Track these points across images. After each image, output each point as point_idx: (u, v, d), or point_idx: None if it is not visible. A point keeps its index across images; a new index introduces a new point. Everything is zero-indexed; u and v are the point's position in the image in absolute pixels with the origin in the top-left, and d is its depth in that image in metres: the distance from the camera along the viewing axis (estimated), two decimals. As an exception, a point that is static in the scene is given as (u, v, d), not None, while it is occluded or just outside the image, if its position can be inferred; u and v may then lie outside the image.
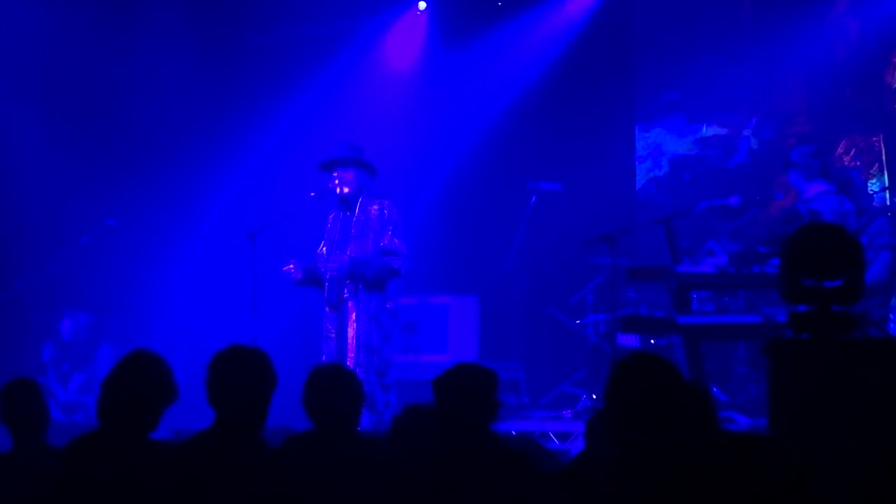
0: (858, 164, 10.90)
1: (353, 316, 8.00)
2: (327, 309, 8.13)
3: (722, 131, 11.74)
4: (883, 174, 10.74)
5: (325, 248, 8.24)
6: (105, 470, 4.48)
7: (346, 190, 8.09)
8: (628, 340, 10.05)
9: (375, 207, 8.09)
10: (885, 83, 10.93)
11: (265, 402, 4.58)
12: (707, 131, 11.90)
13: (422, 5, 12.31)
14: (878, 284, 7.95)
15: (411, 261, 8.23)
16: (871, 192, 10.59)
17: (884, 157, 10.79)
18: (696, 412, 4.25)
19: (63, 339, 10.71)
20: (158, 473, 4.44)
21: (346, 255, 8.02)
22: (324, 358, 7.97)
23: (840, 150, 10.99)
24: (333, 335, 8.03)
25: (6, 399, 5.41)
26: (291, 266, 8.12)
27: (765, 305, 8.83)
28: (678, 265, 8.37)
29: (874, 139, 10.88)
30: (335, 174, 8.12)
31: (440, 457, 4.55)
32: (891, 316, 8.81)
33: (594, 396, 10.05)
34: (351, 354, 7.91)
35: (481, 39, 12.11)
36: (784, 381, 4.95)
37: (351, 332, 7.99)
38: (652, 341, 10.08)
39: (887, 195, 10.64)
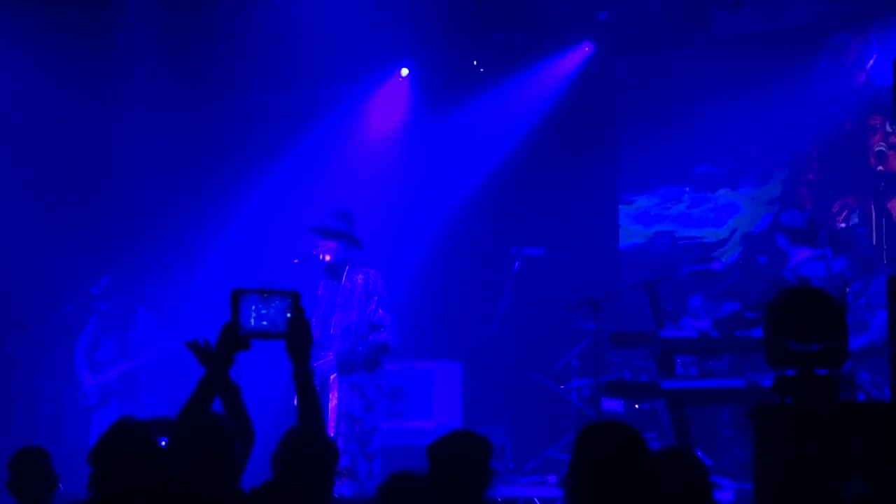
0: (852, 224, 10.86)
1: (335, 384, 7.95)
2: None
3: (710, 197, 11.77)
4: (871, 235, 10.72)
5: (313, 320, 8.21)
6: None
7: (327, 258, 8.09)
8: (613, 405, 10.03)
9: (361, 276, 8.06)
10: (869, 145, 10.96)
11: (232, 470, 4.55)
12: (690, 197, 11.93)
13: (404, 71, 12.38)
14: (876, 343, 7.98)
15: (396, 327, 8.20)
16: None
17: (873, 222, 10.77)
18: (686, 481, 4.23)
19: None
20: None
21: (331, 349, 7.96)
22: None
23: (834, 210, 10.97)
24: (316, 402, 7.98)
25: (14, 468, 5.42)
26: None
27: (750, 369, 8.84)
28: (662, 330, 8.39)
29: (867, 201, 10.90)
30: (319, 243, 8.12)
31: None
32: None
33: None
34: (332, 423, 7.83)
35: (465, 105, 12.16)
36: (769, 446, 4.95)
37: (333, 401, 7.93)
38: (636, 406, 10.06)
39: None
